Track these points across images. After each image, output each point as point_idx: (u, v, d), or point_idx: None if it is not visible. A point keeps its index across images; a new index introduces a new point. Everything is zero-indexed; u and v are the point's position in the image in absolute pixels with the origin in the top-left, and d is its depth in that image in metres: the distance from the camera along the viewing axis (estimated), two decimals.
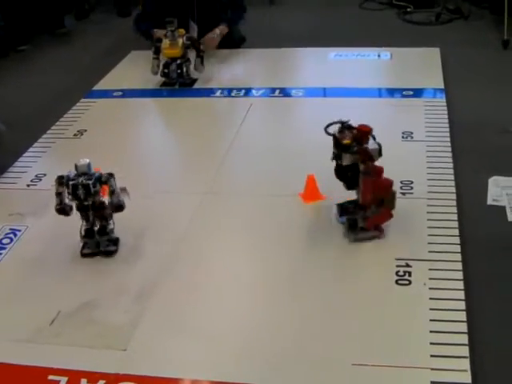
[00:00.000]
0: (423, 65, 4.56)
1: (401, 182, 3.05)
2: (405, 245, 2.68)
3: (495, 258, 2.66)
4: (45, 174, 3.42)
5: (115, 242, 2.82)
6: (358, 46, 4.95)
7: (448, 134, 3.49)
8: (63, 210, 2.71)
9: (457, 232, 2.73)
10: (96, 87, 4.49)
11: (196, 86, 4.45)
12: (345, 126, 2.63)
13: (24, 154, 3.66)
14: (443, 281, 2.46)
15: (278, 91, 4.22)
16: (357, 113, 3.69)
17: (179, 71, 4.40)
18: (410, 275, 2.50)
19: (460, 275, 2.48)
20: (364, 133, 2.62)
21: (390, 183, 2.67)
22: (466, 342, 2.19)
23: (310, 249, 2.74)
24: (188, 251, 2.78)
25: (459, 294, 2.39)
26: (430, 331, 2.24)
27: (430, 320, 2.28)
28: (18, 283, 2.66)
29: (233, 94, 4.27)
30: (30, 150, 3.71)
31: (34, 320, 2.43)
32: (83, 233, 2.77)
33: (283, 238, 2.82)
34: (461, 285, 2.43)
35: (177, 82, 4.44)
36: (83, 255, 2.79)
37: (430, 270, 2.52)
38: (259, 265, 2.69)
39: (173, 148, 3.81)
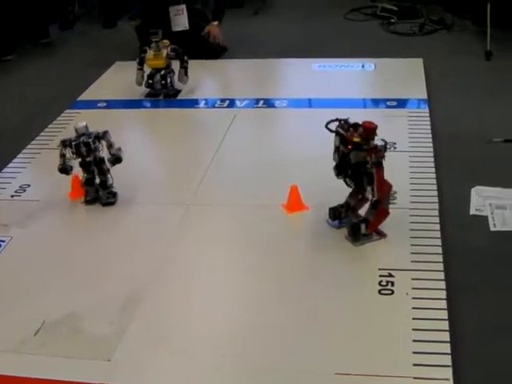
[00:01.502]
0: (407, 75, 4.58)
1: None
2: (388, 255, 2.70)
3: (478, 267, 2.67)
4: (29, 185, 3.42)
5: (114, 194, 3.25)
6: (343, 56, 4.97)
7: (431, 145, 3.51)
8: (65, 169, 3.15)
9: (439, 242, 2.75)
10: (80, 98, 4.50)
11: (180, 96, 4.46)
12: (347, 124, 2.71)
13: (8, 165, 3.66)
14: (426, 290, 2.47)
15: (261, 102, 4.24)
16: None
17: (163, 82, 4.42)
18: (392, 285, 2.52)
19: (443, 285, 2.50)
20: (371, 130, 2.68)
21: (389, 187, 2.75)
22: (449, 351, 2.20)
23: (293, 259, 2.76)
24: (172, 263, 2.78)
25: (442, 304, 2.40)
26: (413, 340, 2.25)
27: (413, 329, 2.30)
28: (2, 293, 2.66)
29: (217, 105, 4.29)
30: (15, 160, 3.71)
31: (19, 330, 2.43)
32: (84, 181, 3.21)
33: (267, 248, 2.83)
34: (443, 294, 2.45)
35: (161, 93, 4.45)
36: (86, 202, 3.23)
37: (413, 279, 2.54)
38: (243, 276, 2.70)
39: (157, 159, 3.81)
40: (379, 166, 2.68)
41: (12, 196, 3.35)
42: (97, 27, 6.40)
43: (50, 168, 3.46)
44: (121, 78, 4.74)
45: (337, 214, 2.88)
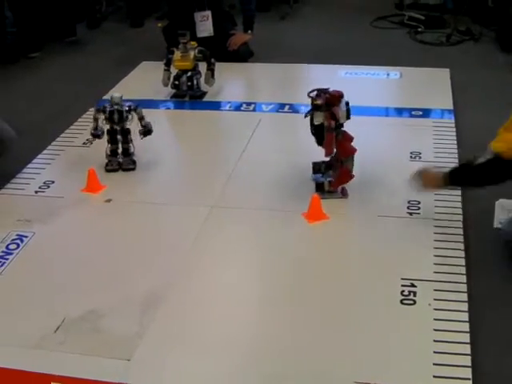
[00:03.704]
0: (433, 85, 4.57)
1: (408, 202, 3.07)
2: (410, 265, 2.69)
3: (500, 280, 2.66)
4: (53, 181, 3.43)
5: (134, 162, 3.54)
6: (368, 64, 4.96)
7: (456, 156, 3.50)
8: (97, 134, 3.51)
9: (463, 254, 2.74)
10: (106, 96, 4.50)
11: (206, 98, 4.47)
12: (322, 91, 3.05)
13: (33, 161, 3.68)
14: (448, 302, 2.47)
15: (287, 107, 4.23)
16: (365, 131, 3.74)
17: (189, 83, 4.43)
18: (415, 295, 2.51)
19: (465, 297, 2.49)
20: (335, 97, 3.03)
21: (352, 150, 3.11)
22: (469, 363, 2.19)
23: (313, 267, 2.76)
24: (195, 264, 2.79)
25: (464, 316, 2.40)
26: (434, 352, 2.25)
27: (434, 341, 2.29)
28: (24, 289, 2.67)
29: (242, 108, 4.29)
30: (39, 156, 3.73)
31: (39, 326, 2.44)
32: (109, 152, 3.51)
33: (287, 255, 2.84)
34: (465, 306, 2.44)
35: (187, 95, 4.46)
36: (107, 171, 3.50)
37: (436, 290, 2.53)
38: (263, 281, 2.71)
39: (181, 160, 3.82)
40: (330, 131, 3.02)
41: (36, 192, 3.36)
42: (124, 26, 6.42)
43: (75, 165, 3.51)
44: (147, 78, 4.74)
45: (317, 169, 3.23)
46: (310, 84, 4.81)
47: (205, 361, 2.27)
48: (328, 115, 3.02)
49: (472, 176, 2.78)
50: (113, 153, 3.52)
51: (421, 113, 4.09)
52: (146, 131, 3.53)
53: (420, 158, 3.49)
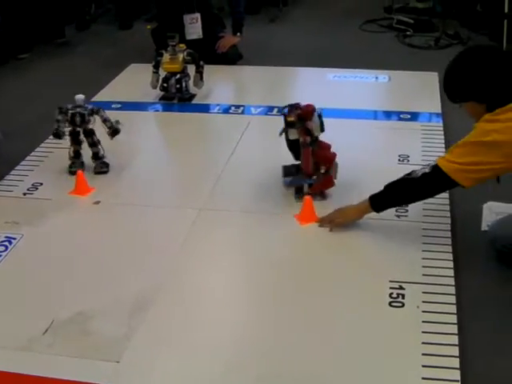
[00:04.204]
0: (421, 89, 4.59)
1: None
2: (399, 267, 2.70)
3: (488, 282, 2.67)
4: (41, 183, 3.43)
5: (107, 165, 3.51)
6: (357, 67, 4.97)
7: None
8: (58, 134, 3.43)
9: (451, 256, 2.75)
10: (94, 98, 4.50)
11: (194, 101, 4.47)
12: (294, 106, 3.09)
13: (21, 163, 3.67)
14: (436, 304, 2.48)
15: (276, 110, 4.22)
16: (354, 134, 3.76)
17: (178, 86, 4.43)
18: (403, 297, 2.52)
19: (453, 299, 2.50)
20: (307, 112, 3.06)
21: (332, 156, 3.12)
22: (458, 365, 2.20)
23: (303, 269, 2.76)
24: (184, 266, 2.79)
25: (452, 318, 2.41)
26: (422, 354, 2.25)
27: (422, 343, 2.30)
28: (12, 291, 2.67)
29: (231, 111, 4.29)
30: (28, 158, 3.72)
31: (28, 328, 2.43)
32: (72, 154, 3.50)
33: (277, 257, 2.84)
34: (454, 309, 2.45)
35: (175, 97, 4.46)
36: (71, 173, 3.46)
37: (424, 293, 2.54)
38: (252, 283, 2.71)
39: (169, 162, 3.82)
40: (306, 146, 3.06)
41: (24, 194, 3.35)
42: (113, 28, 6.43)
43: (63, 167, 3.49)
44: (135, 80, 4.75)
45: (287, 172, 3.26)
46: (299, 87, 4.88)
47: (193, 362, 2.27)
48: (302, 131, 3.06)
49: (406, 190, 2.78)
50: (76, 154, 3.51)
51: (409, 116, 4.10)
52: (114, 131, 3.48)
53: (408, 160, 3.51)
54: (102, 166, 3.51)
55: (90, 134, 3.46)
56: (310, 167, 3.12)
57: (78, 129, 3.44)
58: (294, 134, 3.09)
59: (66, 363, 2.27)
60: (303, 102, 3.13)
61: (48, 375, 2.21)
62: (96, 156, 3.50)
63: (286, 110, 3.11)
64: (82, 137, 3.47)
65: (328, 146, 3.14)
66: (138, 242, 2.95)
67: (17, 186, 3.43)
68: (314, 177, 3.17)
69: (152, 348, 2.34)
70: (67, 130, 3.46)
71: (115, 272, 2.76)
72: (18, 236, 3.00)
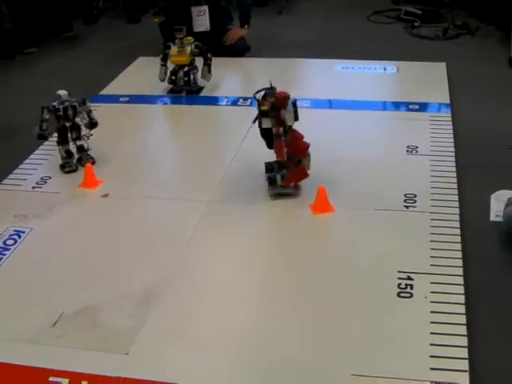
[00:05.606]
0: (429, 79, 4.57)
1: (404, 196, 3.08)
2: (407, 258, 2.69)
3: (497, 273, 2.67)
4: (50, 177, 3.44)
5: (92, 157, 3.49)
6: (365, 58, 4.96)
7: (453, 149, 3.50)
8: (43, 135, 3.41)
9: (459, 247, 2.74)
10: (102, 92, 4.51)
11: (202, 93, 4.47)
12: (268, 93, 3.03)
13: (30, 157, 3.68)
14: (444, 295, 2.47)
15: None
16: (362, 125, 3.76)
17: (186, 78, 4.43)
18: (411, 288, 2.51)
19: (461, 289, 2.49)
20: (281, 100, 3.00)
21: (306, 146, 3.05)
22: (466, 355, 2.19)
23: (315, 260, 2.76)
24: (192, 258, 2.79)
25: (460, 308, 2.40)
26: (430, 344, 2.25)
27: (431, 333, 2.29)
28: (22, 284, 2.67)
29: (239, 103, 4.29)
30: (36, 152, 3.73)
31: (37, 321, 2.44)
32: (64, 154, 3.47)
33: (288, 248, 2.84)
34: (462, 299, 2.44)
35: (183, 90, 4.46)
36: (65, 172, 3.45)
37: (432, 283, 2.53)
38: (262, 275, 2.70)
39: (178, 155, 3.82)
40: (279, 137, 3.02)
41: (33, 187, 3.36)
42: (120, 22, 6.43)
43: None
44: (144, 74, 4.74)
45: (269, 168, 3.19)
46: (308, 78, 4.86)
47: (202, 354, 2.27)
48: (276, 120, 3.02)
49: None
50: (68, 154, 3.49)
51: (417, 107, 4.09)
52: (93, 124, 3.46)
53: (417, 151, 3.49)
54: (88, 159, 3.48)
55: (78, 127, 3.45)
56: (283, 156, 3.07)
57: (67, 124, 3.43)
58: (267, 123, 3.04)
59: (74, 355, 2.27)
60: (292, 91, 3.09)
61: (57, 367, 2.21)
62: (81, 148, 3.49)
63: (258, 95, 3.06)
64: (70, 134, 3.45)
65: (301, 136, 3.08)
66: (146, 234, 2.96)
67: (26, 179, 3.44)
68: (285, 170, 3.13)
69: (161, 340, 2.34)
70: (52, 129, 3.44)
71: (124, 265, 2.76)
72: (27, 229, 3.00)
